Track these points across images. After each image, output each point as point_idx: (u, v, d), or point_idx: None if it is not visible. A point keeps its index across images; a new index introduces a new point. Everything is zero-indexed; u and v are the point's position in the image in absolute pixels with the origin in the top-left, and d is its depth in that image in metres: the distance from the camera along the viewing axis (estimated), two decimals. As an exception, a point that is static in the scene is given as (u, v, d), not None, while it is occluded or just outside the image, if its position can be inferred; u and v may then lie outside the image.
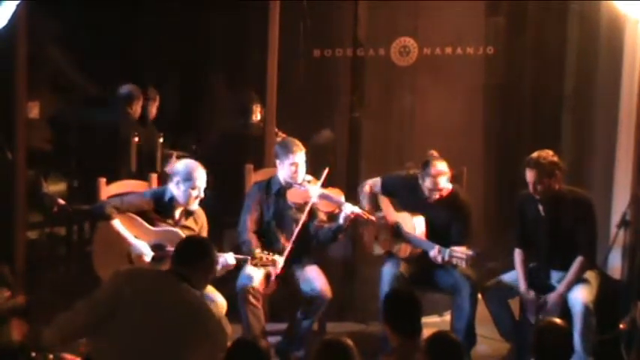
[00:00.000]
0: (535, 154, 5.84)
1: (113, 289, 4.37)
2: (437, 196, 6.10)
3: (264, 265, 5.85)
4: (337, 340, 4.19)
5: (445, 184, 6.10)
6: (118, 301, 4.28)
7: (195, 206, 5.91)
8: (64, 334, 4.43)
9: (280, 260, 5.91)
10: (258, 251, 5.84)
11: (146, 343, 4.22)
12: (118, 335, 4.24)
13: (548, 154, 5.83)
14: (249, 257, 5.82)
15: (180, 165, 5.93)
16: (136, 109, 7.35)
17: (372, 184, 6.37)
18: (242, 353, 4.16)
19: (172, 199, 5.87)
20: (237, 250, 5.96)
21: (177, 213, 5.91)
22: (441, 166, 6.08)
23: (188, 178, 5.81)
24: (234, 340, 4.26)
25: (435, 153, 6.20)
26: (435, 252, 5.91)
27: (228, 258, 5.75)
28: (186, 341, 4.23)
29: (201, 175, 5.84)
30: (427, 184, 6.09)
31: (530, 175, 5.81)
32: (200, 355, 4.26)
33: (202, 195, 5.88)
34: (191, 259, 4.47)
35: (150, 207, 5.87)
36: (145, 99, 7.45)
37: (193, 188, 5.82)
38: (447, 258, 5.86)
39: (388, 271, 6.16)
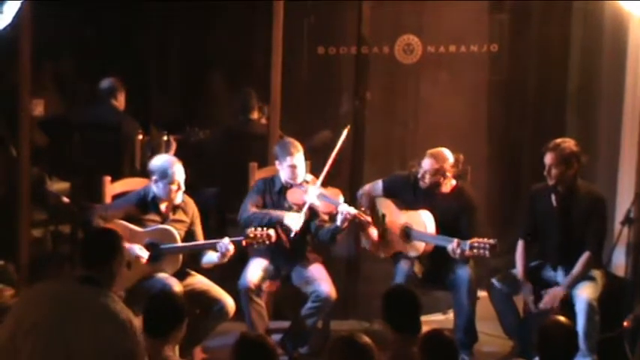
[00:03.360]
0: (558, 140, 5.89)
1: (10, 327, 4.02)
2: (427, 180, 6.06)
3: (259, 242, 5.82)
4: (355, 337, 4.15)
5: (434, 167, 6.04)
6: (17, 340, 3.97)
7: (179, 200, 5.86)
8: None
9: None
10: (250, 229, 5.83)
11: None
12: None
13: (570, 143, 5.88)
14: (243, 237, 5.79)
15: (156, 162, 5.88)
16: (120, 100, 7.28)
17: (369, 188, 6.35)
18: (249, 349, 4.11)
19: (155, 197, 5.84)
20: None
21: (164, 208, 5.87)
22: (438, 151, 6.09)
23: (164, 175, 5.78)
24: (239, 336, 4.17)
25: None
26: (453, 245, 5.79)
27: (225, 244, 5.72)
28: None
29: (177, 170, 5.79)
30: (422, 165, 6.06)
31: (548, 157, 5.84)
32: None
33: (183, 187, 5.82)
34: (102, 258, 4.18)
35: (135, 211, 5.83)
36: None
37: (172, 183, 5.77)
38: (467, 250, 5.75)
39: (401, 270, 6.09)
